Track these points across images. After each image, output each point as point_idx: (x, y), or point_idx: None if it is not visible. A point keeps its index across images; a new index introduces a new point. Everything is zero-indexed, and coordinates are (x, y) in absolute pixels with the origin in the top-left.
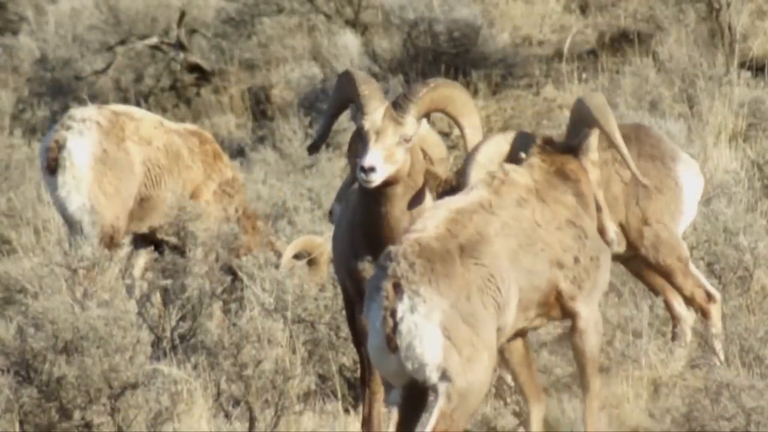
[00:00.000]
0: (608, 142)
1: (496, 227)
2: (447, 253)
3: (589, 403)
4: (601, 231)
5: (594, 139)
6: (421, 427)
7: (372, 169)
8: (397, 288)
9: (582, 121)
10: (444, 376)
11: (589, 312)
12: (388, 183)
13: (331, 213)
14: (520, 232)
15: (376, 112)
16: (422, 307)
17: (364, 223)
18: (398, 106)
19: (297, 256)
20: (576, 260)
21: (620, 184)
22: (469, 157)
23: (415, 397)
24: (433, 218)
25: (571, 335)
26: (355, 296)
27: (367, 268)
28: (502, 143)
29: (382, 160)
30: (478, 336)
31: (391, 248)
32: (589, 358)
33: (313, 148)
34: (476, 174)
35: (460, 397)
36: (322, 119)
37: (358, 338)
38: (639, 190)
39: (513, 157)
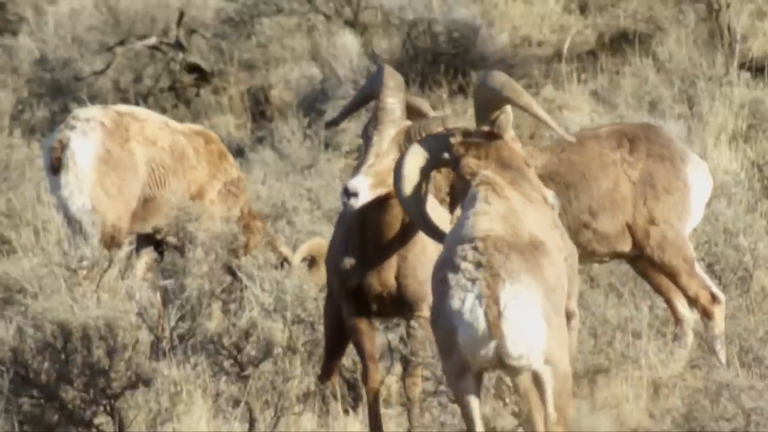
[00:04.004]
0: (527, 113)
1: (539, 228)
2: (528, 248)
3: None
4: None
5: (507, 116)
6: (539, 410)
7: (354, 195)
8: (497, 278)
9: (489, 102)
10: (548, 360)
11: (577, 309)
12: (379, 198)
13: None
14: (544, 233)
15: (386, 131)
16: (525, 294)
17: (358, 223)
18: (409, 138)
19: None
20: (566, 259)
21: (628, 184)
22: (395, 175)
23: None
24: (492, 221)
25: None
26: (340, 293)
27: (349, 264)
28: (419, 152)
29: (369, 187)
30: (563, 324)
31: (476, 243)
32: (572, 356)
33: (330, 124)
34: (408, 189)
35: (564, 379)
36: (349, 101)
37: (336, 334)
38: (647, 190)
39: (435, 161)
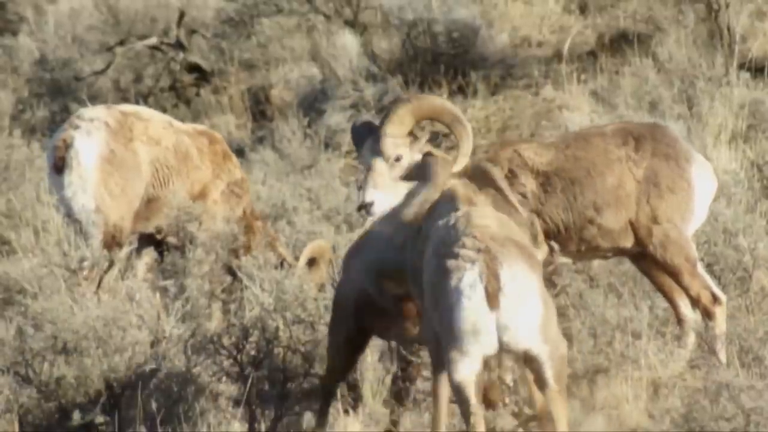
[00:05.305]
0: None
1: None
2: (521, 242)
3: None
4: None
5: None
6: (544, 387)
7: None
8: (496, 260)
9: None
10: (547, 339)
11: None
12: None
13: None
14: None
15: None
16: (523, 275)
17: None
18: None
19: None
20: None
21: (633, 181)
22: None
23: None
24: (485, 216)
25: None
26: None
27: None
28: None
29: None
30: (555, 312)
31: (474, 234)
32: None
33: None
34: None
35: (561, 362)
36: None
37: (351, 349)
38: (651, 188)
39: None
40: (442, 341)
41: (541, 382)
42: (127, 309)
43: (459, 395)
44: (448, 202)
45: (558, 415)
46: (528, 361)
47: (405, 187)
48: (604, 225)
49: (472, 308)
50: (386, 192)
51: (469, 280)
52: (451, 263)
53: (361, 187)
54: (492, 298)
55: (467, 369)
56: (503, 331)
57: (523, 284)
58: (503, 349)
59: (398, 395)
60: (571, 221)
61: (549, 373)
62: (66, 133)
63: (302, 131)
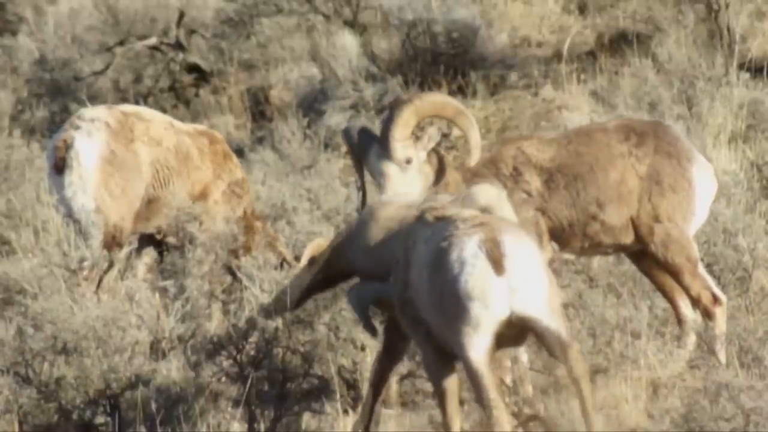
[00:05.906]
0: None
1: None
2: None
3: None
4: None
5: None
6: (571, 371)
7: None
8: (497, 231)
9: None
10: (555, 319)
11: None
12: None
13: None
14: None
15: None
16: (525, 244)
17: None
18: None
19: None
20: None
21: (635, 178)
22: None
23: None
24: (473, 212)
25: None
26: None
27: None
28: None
29: None
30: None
31: (471, 215)
32: None
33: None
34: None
35: (572, 340)
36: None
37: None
38: (653, 186)
39: None
40: (450, 327)
41: (560, 347)
42: (126, 309)
43: (476, 381)
44: (423, 226)
45: (579, 372)
46: (539, 336)
47: (417, 190)
48: (606, 221)
49: (477, 274)
50: (402, 195)
51: (469, 250)
52: (446, 243)
53: (360, 188)
54: (497, 264)
55: (480, 345)
56: (513, 294)
57: (527, 252)
58: (514, 314)
59: (376, 383)
60: (575, 218)
61: (564, 336)
62: (66, 133)
63: (302, 131)
